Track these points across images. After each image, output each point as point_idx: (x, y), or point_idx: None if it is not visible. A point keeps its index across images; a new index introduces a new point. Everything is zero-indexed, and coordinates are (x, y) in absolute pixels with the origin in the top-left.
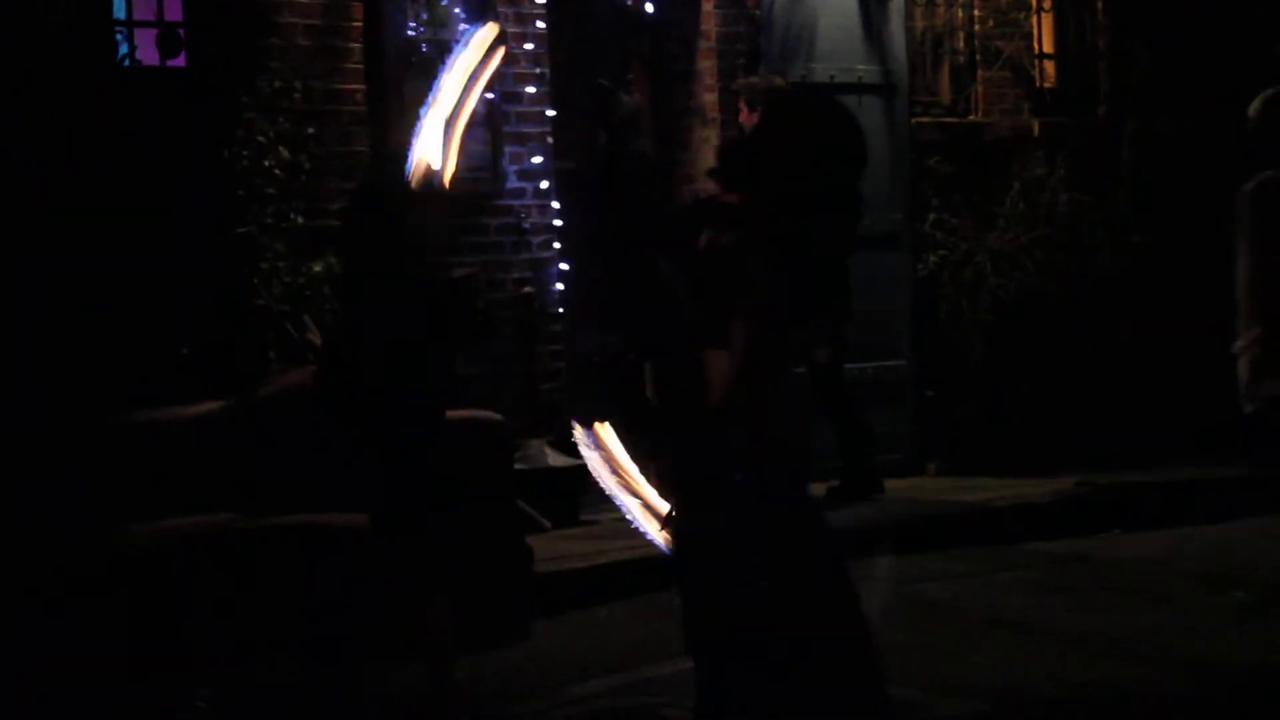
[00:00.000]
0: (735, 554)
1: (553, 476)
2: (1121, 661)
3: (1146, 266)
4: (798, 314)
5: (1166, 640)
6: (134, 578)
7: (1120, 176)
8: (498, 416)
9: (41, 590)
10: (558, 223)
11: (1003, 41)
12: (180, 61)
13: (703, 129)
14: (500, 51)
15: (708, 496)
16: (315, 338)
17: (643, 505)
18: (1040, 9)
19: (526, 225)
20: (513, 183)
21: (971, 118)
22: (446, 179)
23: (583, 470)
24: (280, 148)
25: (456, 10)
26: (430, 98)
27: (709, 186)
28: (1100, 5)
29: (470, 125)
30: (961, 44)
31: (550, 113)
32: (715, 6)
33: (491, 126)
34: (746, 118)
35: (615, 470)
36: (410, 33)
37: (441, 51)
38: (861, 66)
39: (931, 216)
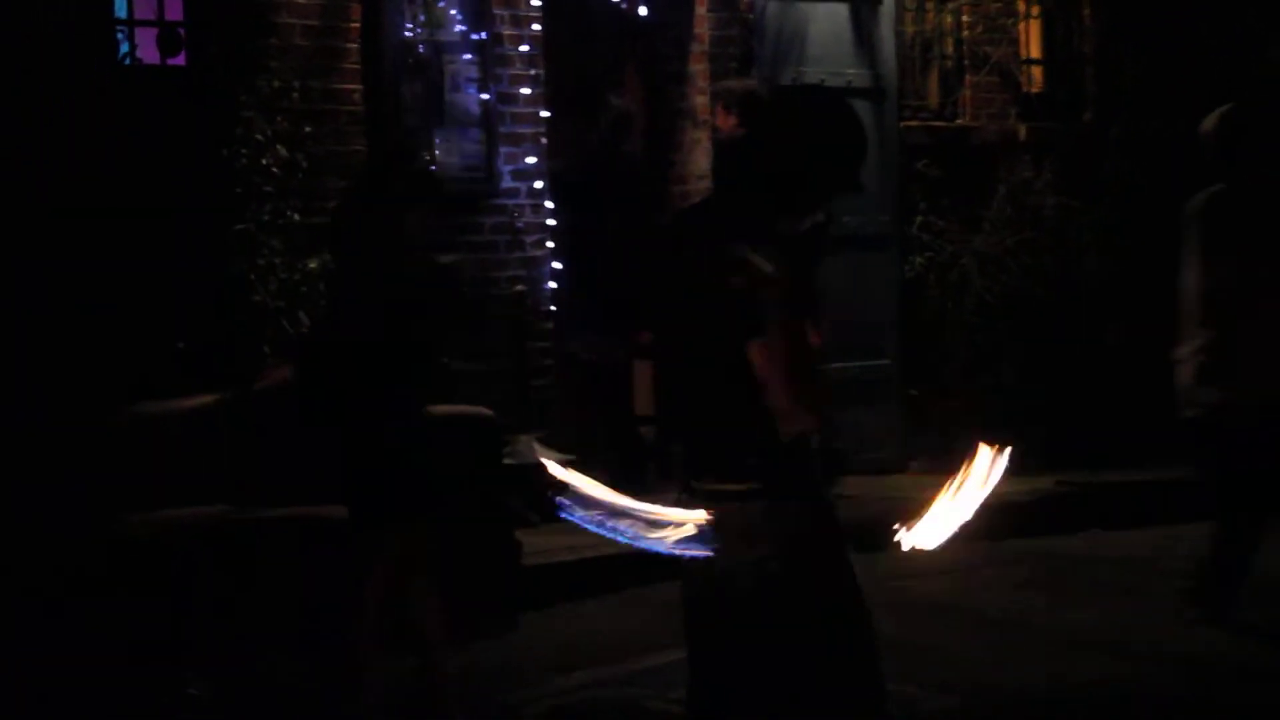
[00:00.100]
0: (748, 547)
1: (542, 472)
2: (1103, 657)
3: (1132, 270)
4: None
5: (1146, 637)
6: (130, 568)
7: (1106, 181)
8: (488, 412)
9: (39, 581)
10: (551, 222)
11: (991, 47)
12: (180, 60)
13: (694, 131)
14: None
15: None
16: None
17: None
18: (1028, 15)
19: (520, 225)
20: (507, 182)
21: (959, 122)
22: None
23: (572, 465)
24: (278, 146)
25: (454, 12)
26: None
27: (699, 188)
28: (1087, 12)
29: (466, 125)
30: (950, 49)
31: (544, 114)
32: (708, 10)
33: (486, 127)
34: (724, 121)
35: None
36: (408, 34)
37: (439, 52)
38: (851, 70)
39: (919, 219)
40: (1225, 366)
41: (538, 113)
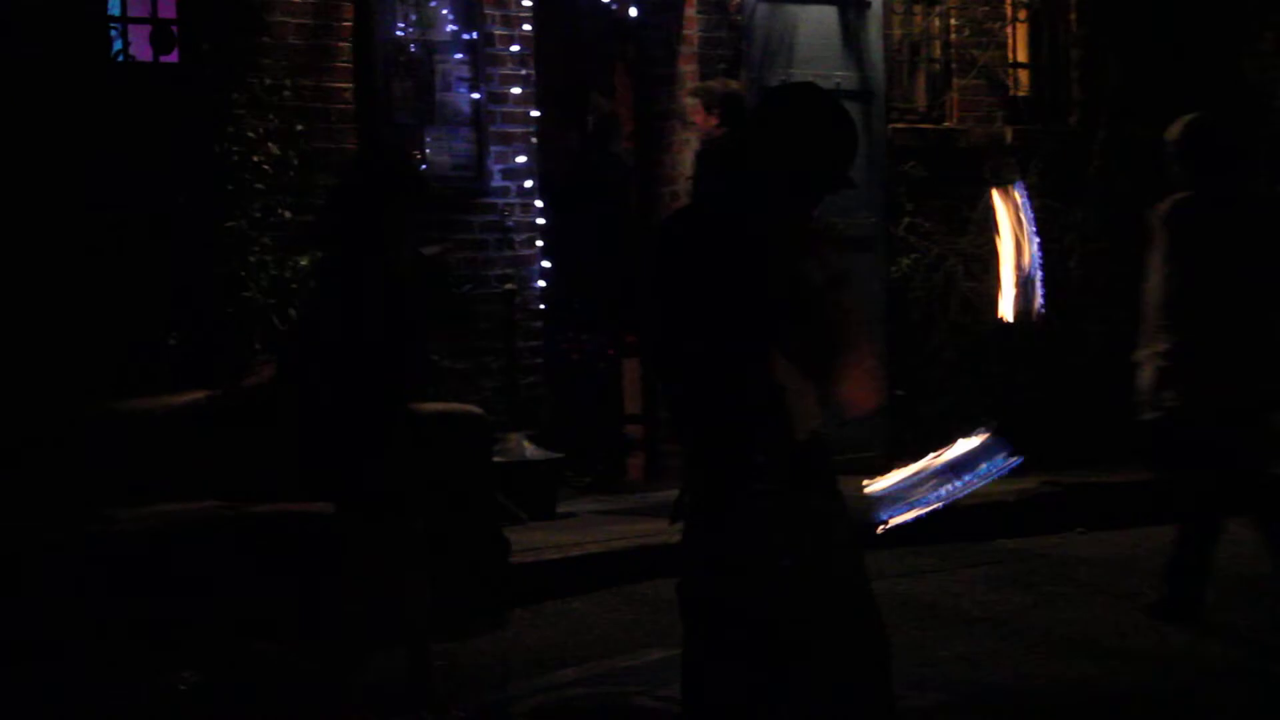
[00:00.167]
0: (762, 544)
1: (531, 469)
2: (1085, 656)
3: (1114, 272)
4: None
5: (1124, 637)
6: (120, 561)
7: (1090, 184)
8: (477, 410)
9: (28, 574)
10: (540, 221)
11: (978, 50)
12: (173, 58)
13: (683, 131)
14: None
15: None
16: None
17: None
18: (1015, 19)
19: (510, 223)
20: (497, 181)
21: (946, 124)
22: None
23: (560, 464)
24: (270, 144)
25: (445, 11)
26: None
27: (688, 188)
28: (1073, 17)
29: (456, 125)
30: (938, 52)
31: (535, 113)
32: (698, 11)
33: (477, 126)
34: (703, 120)
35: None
36: (399, 33)
37: (430, 52)
38: (840, 73)
39: (905, 220)
40: (1186, 371)
41: (528, 112)
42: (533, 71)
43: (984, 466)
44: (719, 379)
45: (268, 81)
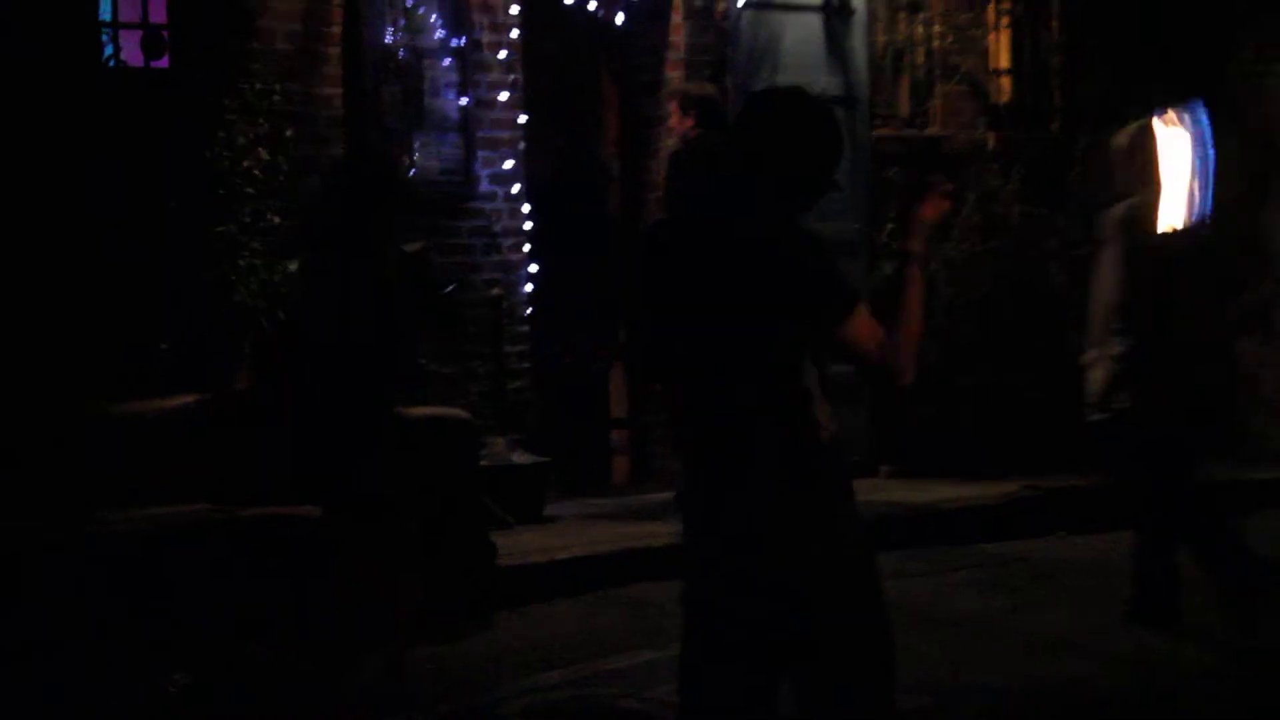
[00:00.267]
0: (785, 544)
1: (517, 474)
2: (1067, 659)
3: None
4: None
5: (1105, 639)
6: (112, 564)
7: (1072, 190)
8: (465, 414)
9: (22, 574)
10: (528, 226)
11: (961, 58)
12: (164, 63)
13: (668, 138)
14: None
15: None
16: None
17: None
18: (997, 27)
19: (497, 228)
20: (485, 186)
21: (929, 130)
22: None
23: (546, 467)
24: (259, 149)
25: (433, 18)
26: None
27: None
28: (1055, 24)
29: (444, 130)
30: (921, 59)
31: (522, 119)
32: (683, 18)
33: (465, 131)
34: (678, 123)
35: None
36: (388, 39)
37: (418, 57)
38: (824, 79)
39: (889, 226)
40: (1140, 373)
41: (515, 118)
42: (520, 77)
43: None
44: (750, 383)
45: (258, 87)
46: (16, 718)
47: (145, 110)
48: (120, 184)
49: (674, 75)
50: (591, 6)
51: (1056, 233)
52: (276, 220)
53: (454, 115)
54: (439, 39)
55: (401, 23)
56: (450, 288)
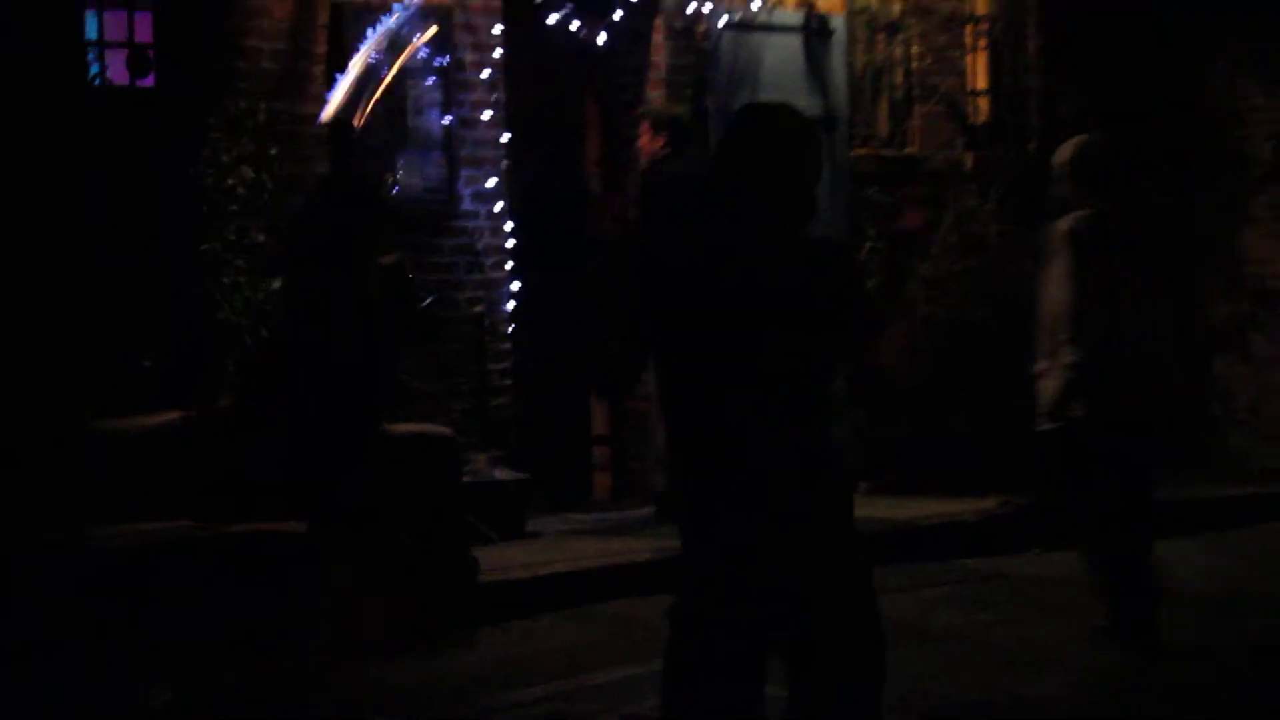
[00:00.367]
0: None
1: (499, 490)
2: (1045, 675)
3: None
4: None
5: (1086, 655)
6: (96, 579)
7: (1048, 210)
8: (447, 431)
9: (5, 589)
10: (510, 244)
11: (939, 78)
12: (149, 82)
13: (639, 157)
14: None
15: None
16: None
17: None
18: (975, 48)
19: (480, 246)
20: (467, 204)
21: (908, 150)
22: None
23: (528, 484)
24: (244, 167)
25: (417, 37)
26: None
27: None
28: (1032, 46)
29: (428, 149)
30: (900, 80)
31: (505, 138)
32: (665, 39)
33: (448, 150)
34: (649, 143)
35: None
36: (372, 60)
37: (402, 77)
38: (804, 100)
39: (868, 244)
40: (1092, 382)
41: (498, 136)
42: (503, 97)
43: None
44: (791, 393)
45: (243, 105)
46: None
47: (131, 128)
48: (106, 201)
49: (655, 95)
50: (574, 27)
51: (1034, 252)
52: (261, 238)
53: (437, 134)
54: (422, 58)
55: (385, 43)
56: (429, 301)
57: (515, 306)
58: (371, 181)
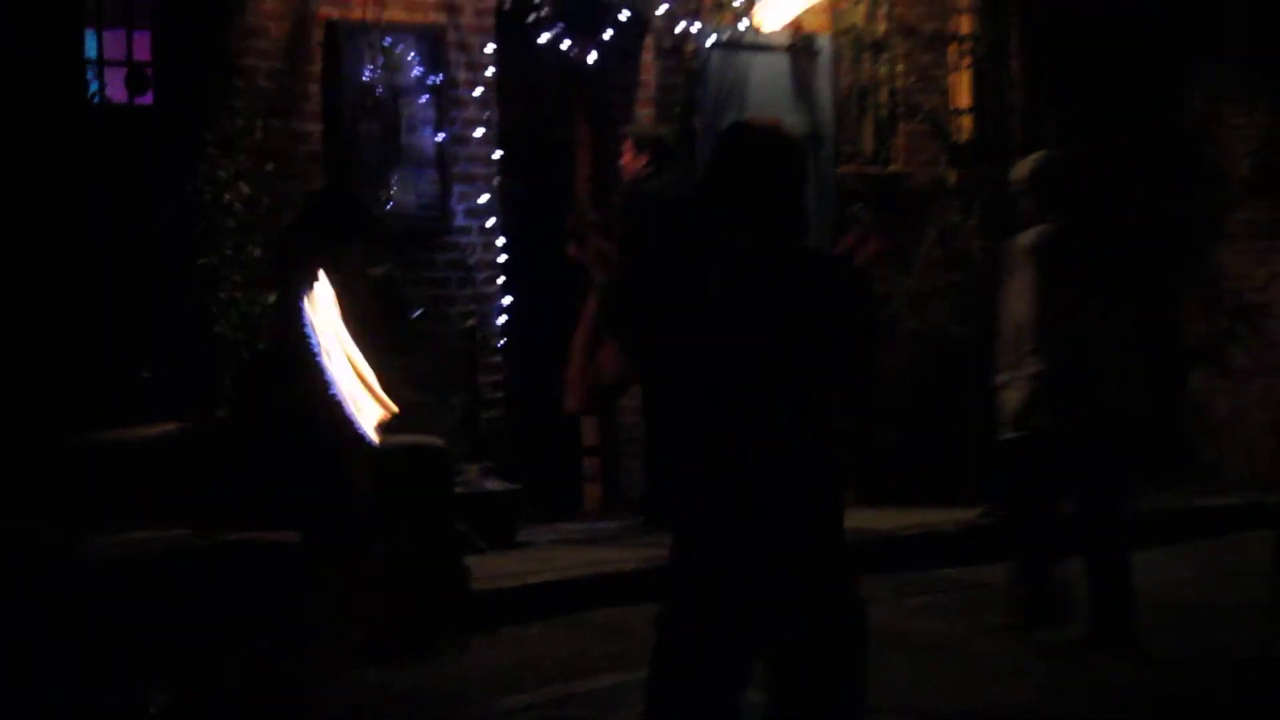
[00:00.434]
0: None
1: (490, 501)
2: (1025, 683)
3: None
4: None
5: (1056, 663)
6: (95, 586)
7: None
8: (439, 442)
9: (4, 595)
10: (502, 259)
11: (923, 97)
12: (148, 99)
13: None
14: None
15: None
16: None
17: None
18: (959, 67)
19: (472, 261)
20: (460, 220)
21: (892, 168)
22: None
23: (519, 494)
24: (240, 184)
25: (411, 56)
26: None
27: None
28: (1014, 66)
29: (421, 165)
30: (884, 99)
31: (497, 155)
32: (654, 58)
33: (441, 167)
34: (632, 161)
35: None
36: (366, 77)
37: (396, 95)
38: (791, 118)
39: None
40: (1055, 393)
41: (490, 154)
42: (495, 115)
43: None
44: (807, 409)
45: (239, 123)
46: None
47: (130, 145)
48: (106, 217)
49: (644, 113)
50: (565, 46)
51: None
52: (257, 253)
53: (430, 151)
54: (416, 77)
55: (379, 61)
56: (418, 313)
57: (507, 320)
58: (359, 195)
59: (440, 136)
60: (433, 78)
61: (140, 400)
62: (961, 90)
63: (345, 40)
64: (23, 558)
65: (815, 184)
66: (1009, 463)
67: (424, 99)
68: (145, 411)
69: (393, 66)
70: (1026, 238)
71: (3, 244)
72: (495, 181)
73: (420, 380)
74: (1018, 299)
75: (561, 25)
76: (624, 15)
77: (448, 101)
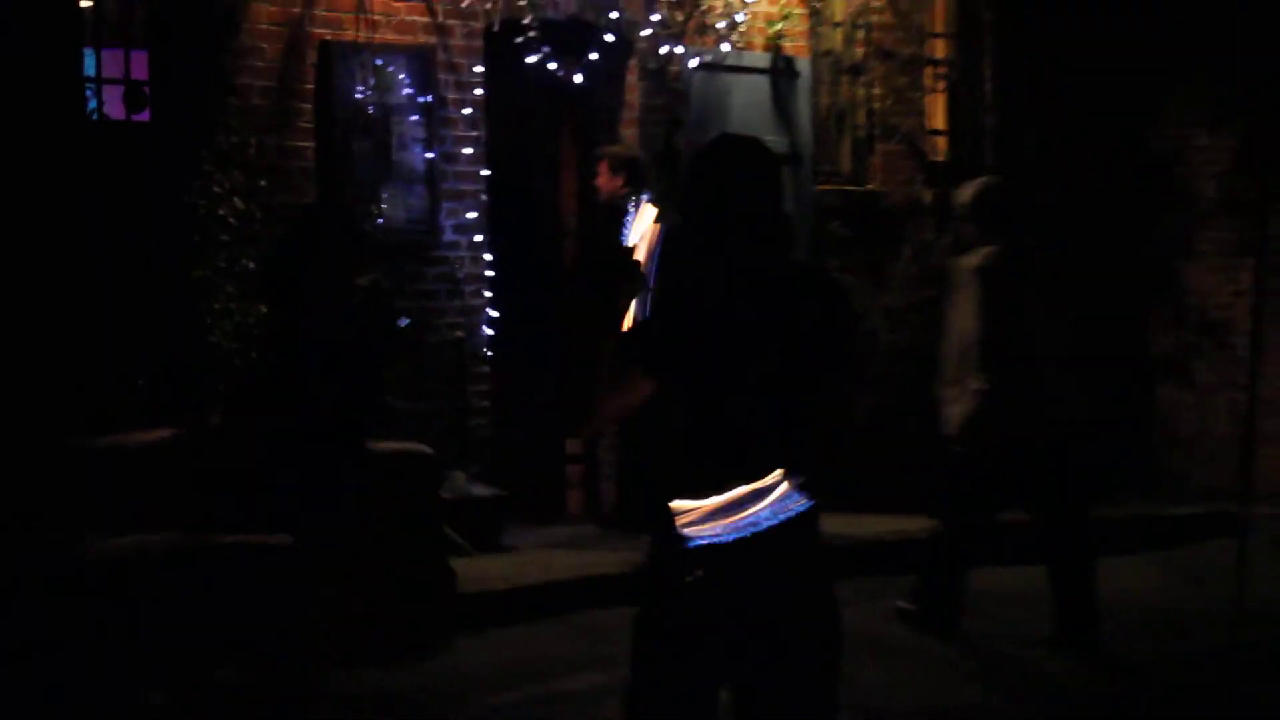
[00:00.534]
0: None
1: (477, 505)
2: (990, 685)
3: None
4: None
5: (1029, 666)
6: (92, 589)
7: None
8: (427, 449)
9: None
10: (489, 273)
11: (899, 119)
12: (145, 117)
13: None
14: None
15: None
16: None
17: None
18: (934, 90)
19: (460, 275)
20: (449, 235)
21: (869, 186)
22: None
23: (504, 499)
24: (234, 198)
25: (402, 76)
26: None
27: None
28: (989, 88)
29: (411, 182)
30: (862, 120)
31: (485, 172)
32: (639, 79)
33: (430, 183)
34: (606, 181)
35: None
36: (358, 96)
37: (387, 113)
38: (771, 137)
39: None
40: (1000, 408)
41: (479, 171)
42: (484, 133)
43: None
44: (806, 414)
45: (234, 140)
46: None
47: (127, 161)
48: (104, 229)
49: (629, 133)
50: (552, 67)
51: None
52: (251, 265)
53: (420, 168)
54: (407, 96)
55: (371, 80)
56: (405, 322)
57: (493, 332)
58: (350, 209)
59: (430, 154)
60: (423, 97)
61: (136, 407)
62: (936, 112)
63: (338, 60)
64: (21, 559)
65: (794, 202)
66: (950, 474)
67: (414, 117)
68: (141, 418)
69: (384, 86)
70: (970, 259)
71: (4, 254)
72: (483, 198)
73: (409, 389)
74: (962, 317)
75: (549, 47)
76: (609, 37)
77: (437, 120)
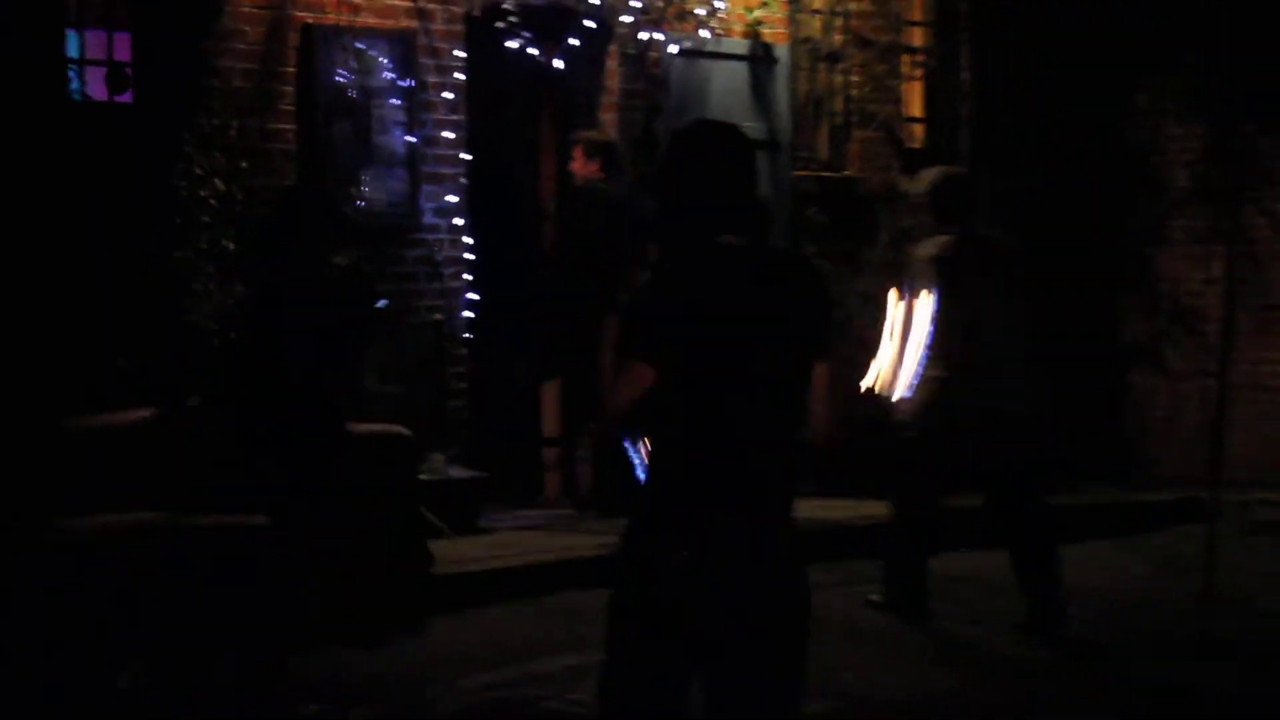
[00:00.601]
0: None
1: (454, 487)
2: (962, 669)
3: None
4: None
5: (1001, 651)
6: (69, 568)
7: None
8: (405, 431)
9: None
10: (469, 256)
11: (877, 106)
12: (127, 98)
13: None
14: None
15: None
16: None
17: None
18: (911, 78)
19: (439, 258)
20: (429, 218)
21: (847, 173)
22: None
23: (482, 482)
24: (216, 180)
25: (383, 60)
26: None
27: None
28: (966, 77)
29: (392, 165)
30: (840, 107)
31: (465, 156)
32: (618, 65)
33: (411, 167)
34: (581, 166)
35: None
36: (340, 79)
37: (368, 97)
38: (749, 124)
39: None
40: (955, 395)
41: (459, 155)
42: (464, 117)
43: None
44: (791, 402)
45: (215, 122)
46: None
47: (109, 142)
48: (85, 210)
49: (608, 118)
50: (532, 52)
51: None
52: (231, 247)
53: (401, 151)
54: (388, 80)
55: (352, 64)
56: (383, 303)
57: (472, 314)
58: (329, 191)
59: (411, 137)
60: (404, 81)
61: (117, 387)
62: (914, 100)
63: (319, 44)
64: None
65: (772, 188)
66: (903, 460)
67: (395, 101)
68: (121, 398)
69: (365, 69)
70: (926, 248)
71: None
72: (463, 181)
73: (388, 371)
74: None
75: (529, 32)
76: (590, 23)
77: (418, 104)
